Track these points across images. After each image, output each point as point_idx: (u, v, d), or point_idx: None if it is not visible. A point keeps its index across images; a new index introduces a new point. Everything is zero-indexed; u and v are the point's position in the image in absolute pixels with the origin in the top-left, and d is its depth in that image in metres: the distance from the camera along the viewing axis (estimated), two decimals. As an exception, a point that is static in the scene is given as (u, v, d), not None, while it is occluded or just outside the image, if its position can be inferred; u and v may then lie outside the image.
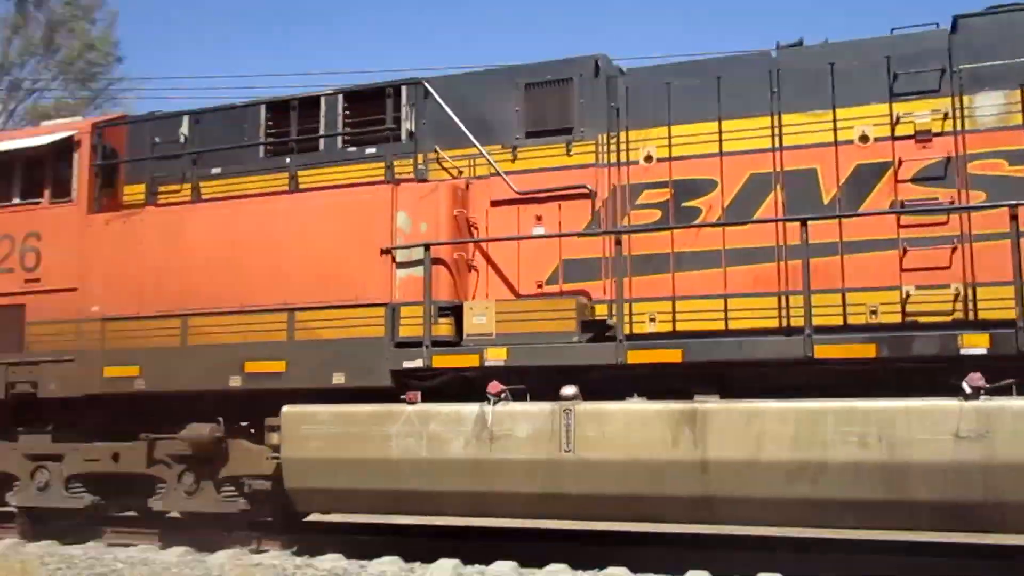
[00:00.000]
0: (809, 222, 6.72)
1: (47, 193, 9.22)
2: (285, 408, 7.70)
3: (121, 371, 8.42)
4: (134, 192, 9.21)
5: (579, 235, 7.43)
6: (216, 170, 8.94)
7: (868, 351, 6.26)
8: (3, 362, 8.96)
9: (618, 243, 7.13)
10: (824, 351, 6.37)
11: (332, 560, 7.55)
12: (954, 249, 6.53)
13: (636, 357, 6.89)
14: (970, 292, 6.44)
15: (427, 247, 7.54)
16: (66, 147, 9.16)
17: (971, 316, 6.38)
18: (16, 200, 9.38)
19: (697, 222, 7.20)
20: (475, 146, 7.91)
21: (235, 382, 7.92)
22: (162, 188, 9.02)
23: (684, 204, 7.32)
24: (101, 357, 8.48)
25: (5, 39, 31.37)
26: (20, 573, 6.74)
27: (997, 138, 6.50)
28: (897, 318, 6.58)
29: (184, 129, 9.28)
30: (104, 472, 8.70)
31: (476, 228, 7.95)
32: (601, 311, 7.43)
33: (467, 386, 7.36)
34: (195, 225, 8.39)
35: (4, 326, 9.01)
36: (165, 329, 8.27)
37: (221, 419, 8.24)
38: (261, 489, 8.09)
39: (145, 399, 8.40)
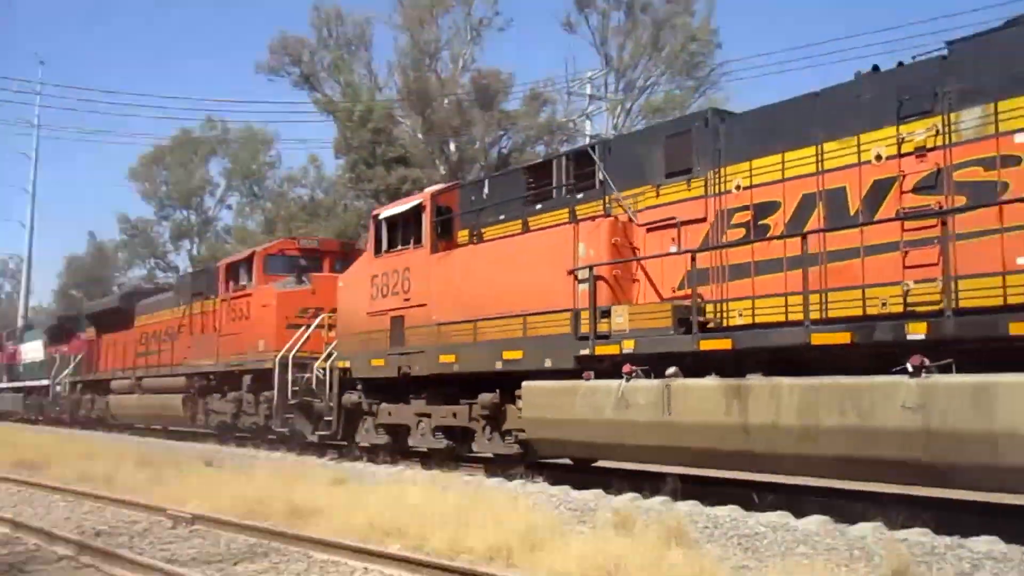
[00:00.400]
0: (830, 232, 8.36)
1: (412, 241, 14.13)
2: (524, 383, 11.44)
3: (447, 358, 12.89)
4: (463, 236, 13.59)
5: (663, 254, 9.81)
6: (501, 216, 12.95)
7: (845, 338, 8.00)
8: (396, 353, 14.07)
9: (694, 258, 9.44)
10: (817, 339, 8.23)
11: (987, 542, 7.07)
12: (942, 248, 7.72)
13: (705, 345, 9.29)
14: (952, 284, 7.73)
15: (591, 268, 10.67)
16: (419, 210, 13.98)
17: (953, 305, 7.68)
18: (399, 247, 14.46)
19: (763, 236, 9.14)
20: (635, 187, 10.81)
21: (498, 365, 11.86)
22: (478, 231, 13.18)
23: (760, 222, 9.42)
24: (437, 349, 13.07)
25: (619, 45, 37.01)
26: (675, 531, 7.32)
27: (975, 148, 7.67)
28: (900, 308, 8.08)
29: (486, 189, 13.47)
30: (449, 424, 13.33)
31: (637, 249, 10.82)
32: (709, 309, 9.85)
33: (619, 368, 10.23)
34: (477, 259, 12.50)
35: (396, 331, 14.13)
36: (465, 331, 12.57)
37: (498, 390, 12.26)
38: (523, 439, 11.90)
39: (459, 377, 12.71)
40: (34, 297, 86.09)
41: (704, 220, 9.81)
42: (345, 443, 15.83)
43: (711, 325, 9.51)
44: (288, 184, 52.53)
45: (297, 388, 16.79)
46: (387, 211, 14.72)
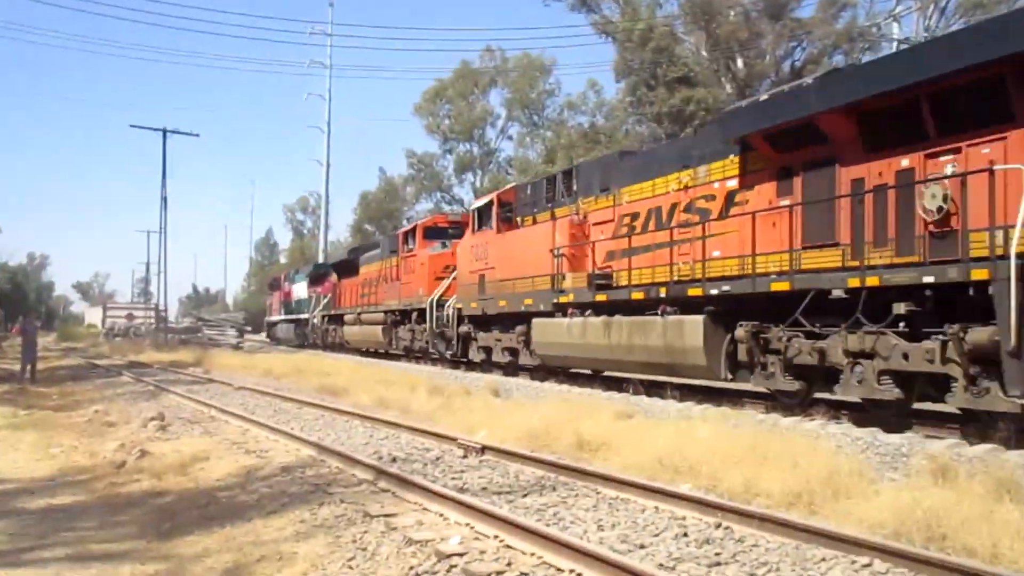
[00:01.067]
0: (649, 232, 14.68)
1: (488, 224, 21.43)
2: (533, 320, 18.63)
3: (502, 303, 20.11)
4: (525, 222, 20.53)
5: (601, 240, 16.18)
6: (535, 210, 19.97)
7: (641, 295, 14.49)
8: (480, 299, 21.54)
9: (593, 246, 16.09)
10: (635, 295, 14.77)
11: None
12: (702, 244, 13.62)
13: (598, 298, 16.00)
14: (673, 269, 14.08)
15: (557, 249, 17.60)
16: (491, 203, 21.33)
17: (675, 278, 14.03)
18: (482, 228, 21.86)
19: (630, 233, 15.35)
20: (589, 196, 17.51)
21: (521, 308, 18.89)
22: (523, 219, 19.92)
23: (633, 223, 15.98)
24: (497, 297, 20.43)
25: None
26: (1007, 483, 6.40)
27: (702, 188, 13.74)
28: (679, 277, 14.47)
29: (529, 190, 20.50)
30: (507, 346, 20.74)
31: (587, 237, 17.55)
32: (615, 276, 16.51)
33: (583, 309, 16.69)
34: (515, 240, 19.28)
35: (480, 284, 21.56)
36: (508, 285, 19.80)
37: (527, 323, 19.44)
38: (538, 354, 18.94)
39: (509, 315, 19.70)
40: (333, 232, 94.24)
41: (612, 220, 16.37)
42: (465, 359, 22.86)
43: (610, 284, 15.99)
44: (568, 111, 51.42)
45: (438, 322, 23.86)
46: (476, 203, 22.02)
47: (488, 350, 21.08)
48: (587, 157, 30.10)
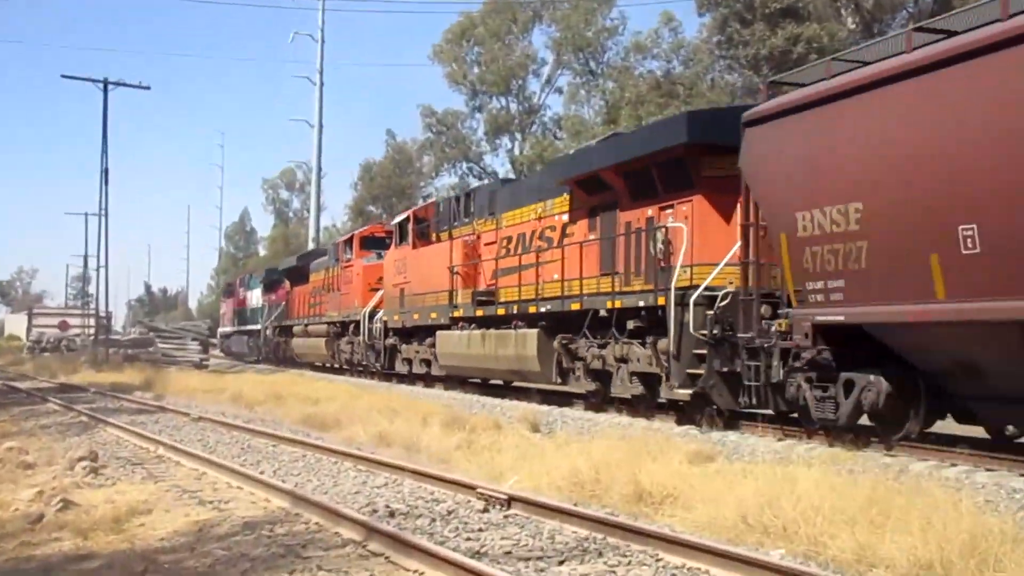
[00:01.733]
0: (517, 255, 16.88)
1: (406, 240, 23.50)
2: (437, 332, 20.79)
3: (415, 316, 22.20)
4: (441, 238, 22.25)
5: (489, 259, 18.25)
6: (444, 227, 22.04)
7: (503, 311, 16.67)
8: (400, 312, 23.70)
9: (476, 266, 18.45)
10: (500, 311, 17.05)
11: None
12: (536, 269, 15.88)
13: (478, 312, 18.17)
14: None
15: (453, 267, 19.78)
16: (407, 219, 23.41)
17: (567, 293, 16.30)
18: (401, 243, 23.93)
19: (506, 255, 17.46)
20: (482, 218, 19.59)
21: (428, 321, 21.06)
22: (437, 235, 21.62)
23: (508, 246, 18.12)
24: (412, 311, 22.50)
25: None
26: None
27: (547, 220, 15.74)
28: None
29: (441, 208, 22.45)
30: (423, 357, 22.93)
31: (480, 256, 19.74)
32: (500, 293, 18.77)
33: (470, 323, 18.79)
34: (423, 256, 21.10)
35: (401, 298, 23.67)
36: (418, 300, 21.92)
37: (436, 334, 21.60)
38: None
39: (421, 327, 21.73)
40: (327, 215, 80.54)
41: (495, 243, 18.61)
42: (392, 371, 24.55)
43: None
44: (635, 55, 39.96)
45: (369, 334, 25.52)
46: (397, 218, 23.89)
47: (410, 362, 22.92)
48: (661, 115, 27.54)
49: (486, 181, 31.32)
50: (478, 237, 19.08)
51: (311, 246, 42.16)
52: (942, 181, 8.31)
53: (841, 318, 9.59)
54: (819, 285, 9.78)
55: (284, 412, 16.74)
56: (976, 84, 8.04)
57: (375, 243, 28.35)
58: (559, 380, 15.31)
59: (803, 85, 10.27)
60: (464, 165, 46.94)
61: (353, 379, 24.72)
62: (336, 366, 29.18)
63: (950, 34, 8.57)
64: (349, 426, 13.84)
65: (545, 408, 15.08)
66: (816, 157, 9.67)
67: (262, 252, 78.44)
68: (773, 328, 10.47)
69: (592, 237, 14.57)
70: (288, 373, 28.80)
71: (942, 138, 8.32)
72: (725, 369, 11.42)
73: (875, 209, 8.93)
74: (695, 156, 12.37)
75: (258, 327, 40.28)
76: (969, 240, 8.18)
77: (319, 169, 44.90)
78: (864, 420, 10.10)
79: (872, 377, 9.63)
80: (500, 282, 17.72)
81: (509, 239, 17.54)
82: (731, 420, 11.98)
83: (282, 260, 41.84)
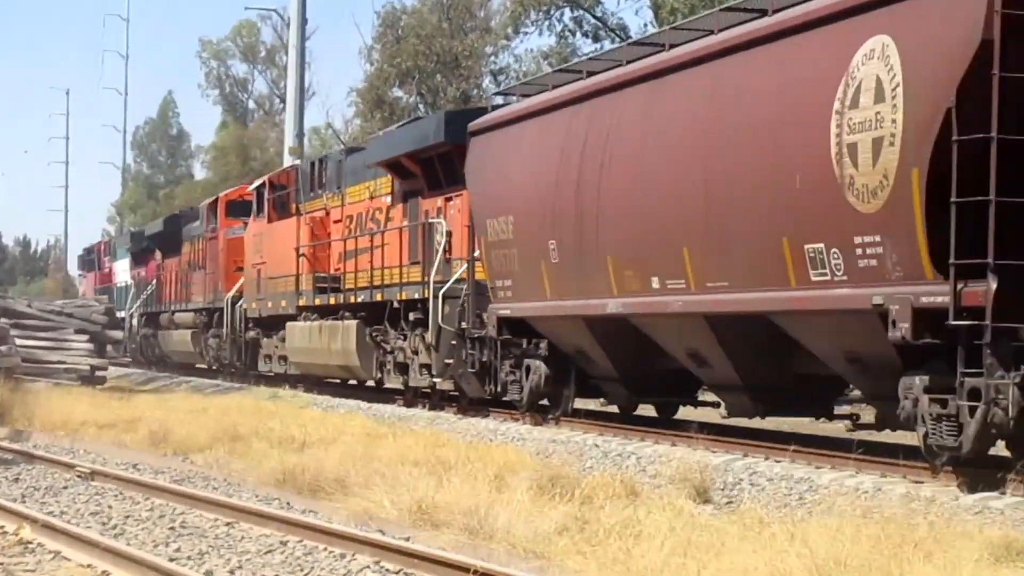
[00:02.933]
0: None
1: (263, 213, 20.71)
2: (287, 323, 18.26)
3: (273, 303, 19.93)
4: (304, 210, 20.06)
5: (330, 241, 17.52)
6: (303, 199, 19.43)
7: (334, 300, 14.58)
8: (256, 299, 20.94)
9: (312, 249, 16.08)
10: (332, 300, 14.65)
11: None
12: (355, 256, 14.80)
13: (318, 300, 15.91)
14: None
15: (298, 248, 17.14)
16: (262, 187, 20.62)
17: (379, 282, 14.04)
18: (260, 214, 21.14)
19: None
20: (328, 194, 17.08)
21: (279, 309, 18.76)
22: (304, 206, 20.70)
23: (351, 225, 15.92)
24: (267, 297, 20.04)
25: None
26: None
27: (375, 202, 16.05)
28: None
29: (303, 172, 19.70)
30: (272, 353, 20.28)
31: (330, 235, 17.11)
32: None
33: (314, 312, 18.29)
34: (274, 233, 20.37)
35: (259, 281, 20.95)
36: (272, 284, 19.41)
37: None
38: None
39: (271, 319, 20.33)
40: (317, 107, 60.21)
41: (341, 220, 16.24)
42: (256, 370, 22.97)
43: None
44: None
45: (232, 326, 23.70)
46: (257, 182, 21.15)
47: (271, 358, 22.41)
48: None
49: (609, 46, 21.18)
50: (327, 213, 17.01)
51: (287, 162, 27.41)
52: (547, 204, 11.34)
53: (508, 312, 12.36)
54: (501, 283, 12.44)
55: (246, 464, 11.25)
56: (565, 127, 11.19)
57: (245, 209, 23.62)
58: (378, 375, 16.24)
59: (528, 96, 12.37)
60: (568, 12, 29.01)
61: (368, 405, 16.59)
62: (205, 366, 26.78)
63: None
64: (363, 490, 8.93)
65: (711, 458, 10.00)
66: (501, 171, 12.06)
67: (200, 174, 55.63)
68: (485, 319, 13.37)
69: (405, 224, 15.42)
70: (254, 393, 19.75)
71: (551, 168, 11.13)
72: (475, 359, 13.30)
73: (519, 222, 11.65)
74: (462, 153, 13.70)
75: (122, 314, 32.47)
76: (553, 252, 11.37)
77: (303, 18, 28.32)
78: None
79: (536, 362, 12.27)
80: (346, 266, 17.94)
81: (351, 218, 18.81)
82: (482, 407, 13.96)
83: (150, 223, 34.59)
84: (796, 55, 8.17)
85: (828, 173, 7.71)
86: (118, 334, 24.07)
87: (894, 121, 7.25)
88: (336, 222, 17.86)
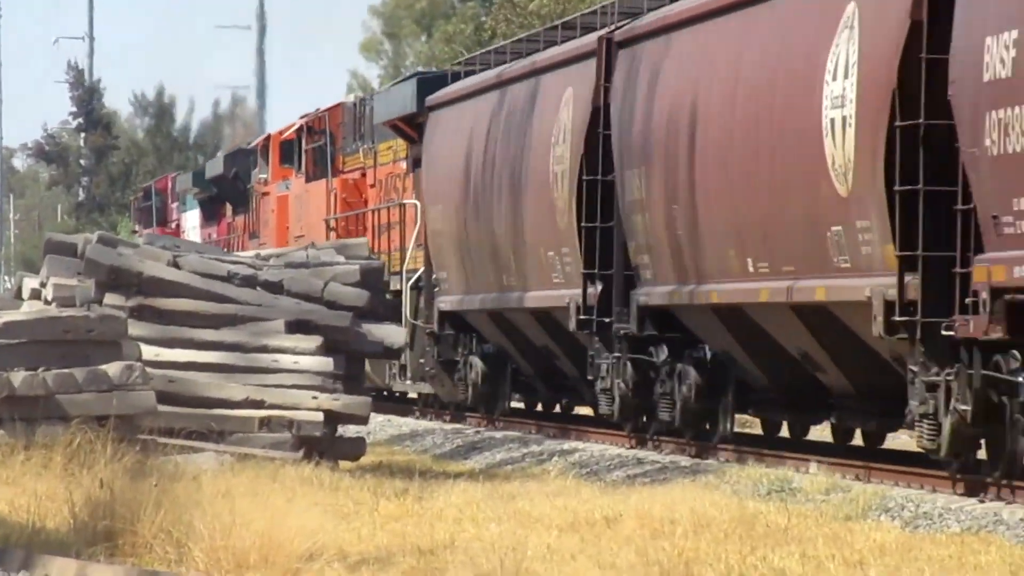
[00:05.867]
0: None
1: (301, 169, 18.11)
2: None
3: None
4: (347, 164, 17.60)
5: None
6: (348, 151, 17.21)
7: None
8: None
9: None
10: None
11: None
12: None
13: None
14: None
15: (328, 220, 14.71)
16: (299, 134, 17.97)
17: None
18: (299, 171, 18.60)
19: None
20: (366, 147, 14.50)
21: None
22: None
23: (380, 192, 13.26)
24: None
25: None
26: None
27: (395, 167, 13.27)
28: None
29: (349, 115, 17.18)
30: None
31: (366, 200, 14.76)
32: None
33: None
34: (309, 194, 17.23)
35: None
36: None
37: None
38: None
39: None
40: None
41: (375, 185, 13.72)
42: None
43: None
44: None
45: None
46: (295, 124, 18.57)
47: None
48: None
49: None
50: (363, 175, 14.00)
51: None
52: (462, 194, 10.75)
53: (446, 305, 11.73)
54: (442, 275, 11.60)
55: None
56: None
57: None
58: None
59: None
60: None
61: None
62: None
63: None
64: None
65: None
66: (446, 154, 10.93)
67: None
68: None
69: (384, 203, 13.78)
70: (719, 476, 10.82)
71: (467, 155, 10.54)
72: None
73: (448, 213, 10.97)
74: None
75: None
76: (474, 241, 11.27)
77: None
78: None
79: (473, 358, 11.37)
80: (379, 244, 13.68)
81: (381, 184, 14.34)
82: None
83: (211, 160, 26.73)
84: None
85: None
86: (398, 335, 10.94)
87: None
88: (371, 187, 14.52)
